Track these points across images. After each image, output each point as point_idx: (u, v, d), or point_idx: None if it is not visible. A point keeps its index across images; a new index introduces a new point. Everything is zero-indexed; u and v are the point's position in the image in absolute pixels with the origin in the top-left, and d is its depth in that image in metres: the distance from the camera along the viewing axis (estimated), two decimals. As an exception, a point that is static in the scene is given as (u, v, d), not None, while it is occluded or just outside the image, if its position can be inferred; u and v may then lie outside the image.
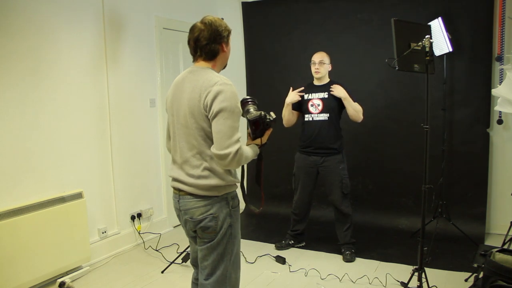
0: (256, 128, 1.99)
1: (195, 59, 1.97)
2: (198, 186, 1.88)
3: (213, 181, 1.88)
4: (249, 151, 1.95)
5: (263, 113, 2.00)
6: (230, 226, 1.95)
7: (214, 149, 1.82)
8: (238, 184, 2.03)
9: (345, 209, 3.62)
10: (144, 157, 4.17)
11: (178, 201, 1.97)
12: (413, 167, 4.10)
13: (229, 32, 1.96)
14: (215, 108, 1.79)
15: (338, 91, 3.52)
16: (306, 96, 3.66)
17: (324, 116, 3.60)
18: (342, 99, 3.51)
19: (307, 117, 3.66)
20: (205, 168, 1.88)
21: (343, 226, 3.66)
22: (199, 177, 1.88)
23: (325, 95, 3.61)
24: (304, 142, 3.69)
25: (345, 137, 3.74)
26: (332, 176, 3.61)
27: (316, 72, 3.63)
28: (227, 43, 1.96)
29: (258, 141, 2.03)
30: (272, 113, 2.04)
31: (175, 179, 1.98)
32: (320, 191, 3.88)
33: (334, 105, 3.59)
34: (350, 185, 3.66)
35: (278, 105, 3.86)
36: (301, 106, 3.68)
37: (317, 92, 3.65)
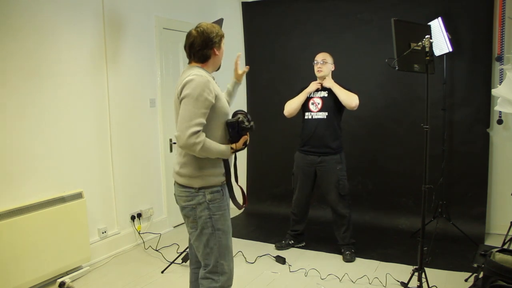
0: (232, 130, 2.11)
1: (189, 62, 2.17)
2: (179, 173, 2.11)
3: (188, 170, 2.07)
4: (216, 146, 2.04)
5: (240, 118, 2.12)
6: (210, 218, 2.08)
7: (174, 132, 1.99)
8: (223, 180, 2.14)
9: (341, 210, 3.60)
10: (144, 157, 4.17)
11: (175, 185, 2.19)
12: (413, 167, 4.10)
13: (221, 36, 2.15)
14: (182, 95, 1.99)
15: (327, 81, 3.59)
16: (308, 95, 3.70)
17: (322, 115, 3.61)
18: (331, 88, 3.56)
19: (307, 115, 3.69)
20: (185, 156, 2.08)
21: (341, 228, 3.65)
22: (180, 164, 2.10)
23: (326, 94, 3.63)
24: (303, 140, 3.71)
25: (345, 137, 3.74)
26: (329, 177, 3.61)
27: (318, 71, 3.64)
28: (219, 47, 2.15)
29: (232, 145, 2.13)
30: (252, 122, 2.15)
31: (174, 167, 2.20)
32: (320, 191, 3.88)
33: (333, 104, 3.60)
34: (348, 186, 3.64)
35: (278, 105, 3.87)
36: (303, 104, 3.70)
37: (318, 91, 3.68)
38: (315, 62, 3.67)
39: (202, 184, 2.07)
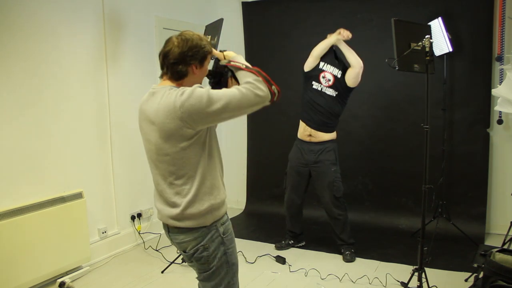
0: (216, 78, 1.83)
1: (161, 76, 1.77)
2: (185, 216, 1.71)
3: (197, 207, 1.70)
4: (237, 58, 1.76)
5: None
6: (224, 254, 1.79)
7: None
8: (225, 201, 1.83)
9: (335, 212, 3.57)
10: (144, 157, 4.10)
11: (168, 232, 1.83)
12: (413, 167, 4.09)
13: (206, 53, 1.72)
14: (194, 110, 1.59)
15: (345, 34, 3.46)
16: (321, 65, 3.59)
17: (331, 92, 3.53)
18: (342, 47, 3.49)
19: (316, 85, 3.57)
20: (189, 191, 1.69)
21: (337, 230, 3.63)
22: (185, 204, 1.69)
23: (339, 74, 3.54)
24: (304, 106, 3.62)
25: (345, 137, 3.75)
26: (324, 178, 3.57)
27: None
28: (200, 65, 1.71)
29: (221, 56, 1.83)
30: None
31: (158, 211, 1.83)
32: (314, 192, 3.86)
33: (343, 87, 3.53)
34: (342, 188, 3.59)
35: (278, 105, 3.84)
36: (312, 72, 3.61)
37: (332, 66, 3.56)
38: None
39: (214, 218, 1.74)
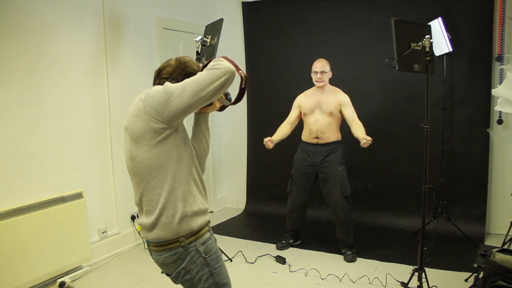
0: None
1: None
2: (154, 226, 1.66)
3: (165, 217, 1.64)
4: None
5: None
6: (211, 275, 1.70)
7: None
8: (205, 215, 1.74)
9: (343, 212, 3.58)
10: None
11: (151, 254, 1.77)
12: (413, 167, 4.10)
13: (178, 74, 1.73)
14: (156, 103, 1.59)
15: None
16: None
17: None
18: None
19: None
20: (158, 201, 1.64)
21: (342, 231, 3.63)
22: (154, 215, 1.65)
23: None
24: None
25: (345, 137, 3.74)
26: (332, 178, 3.60)
27: (318, 81, 3.64)
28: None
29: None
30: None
31: (140, 226, 1.76)
32: (321, 193, 3.86)
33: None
34: (350, 189, 3.63)
35: (278, 104, 3.86)
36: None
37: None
38: (314, 72, 3.64)
39: (189, 230, 1.65)
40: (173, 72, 1.73)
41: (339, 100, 3.64)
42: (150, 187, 1.64)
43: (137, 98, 1.70)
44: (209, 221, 1.77)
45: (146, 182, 1.65)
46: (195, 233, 1.67)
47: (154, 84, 1.78)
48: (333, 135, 3.67)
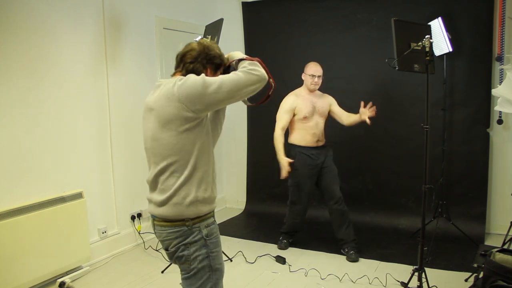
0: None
1: (173, 74, 1.84)
2: (165, 203, 1.74)
3: (178, 197, 1.72)
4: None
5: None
6: (207, 257, 1.77)
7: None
8: (213, 202, 1.85)
9: (343, 204, 3.64)
10: (144, 157, 4.14)
11: (154, 228, 1.83)
12: (413, 167, 4.10)
13: (222, 63, 1.82)
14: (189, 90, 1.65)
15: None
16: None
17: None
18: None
19: None
20: (175, 182, 1.72)
21: (344, 224, 3.63)
22: (167, 193, 1.73)
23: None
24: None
25: (345, 137, 3.76)
26: (333, 173, 3.70)
27: (315, 84, 3.64)
28: (214, 72, 1.80)
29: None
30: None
31: (148, 200, 1.84)
32: (321, 189, 3.86)
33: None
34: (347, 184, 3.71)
35: (278, 104, 3.86)
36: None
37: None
38: (311, 75, 3.62)
39: (197, 214, 1.75)
40: (198, 56, 1.77)
41: (329, 102, 3.76)
42: (171, 169, 1.72)
43: (169, 82, 1.72)
44: (215, 208, 1.87)
45: (167, 163, 1.72)
46: (201, 216, 1.77)
47: (177, 68, 1.82)
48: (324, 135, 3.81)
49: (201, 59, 1.76)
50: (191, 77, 1.67)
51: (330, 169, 3.70)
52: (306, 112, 3.65)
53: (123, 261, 3.69)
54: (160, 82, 1.80)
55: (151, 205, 1.81)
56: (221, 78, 1.66)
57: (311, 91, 3.68)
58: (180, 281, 1.84)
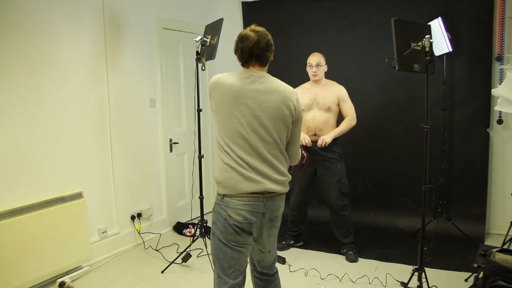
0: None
1: (247, 65, 2.04)
2: (280, 181, 2.09)
3: (284, 188, 2.14)
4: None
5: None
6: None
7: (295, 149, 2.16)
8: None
9: (342, 209, 3.60)
10: (144, 157, 4.17)
11: (265, 204, 2.02)
12: (413, 167, 4.10)
13: (273, 44, 2.08)
14: (300, 115, 2.09)
15: (328, 136, 3.56)
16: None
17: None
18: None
19: None
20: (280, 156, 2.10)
21: (343, 227, 3.64)
22: (282, 173, 2.10)
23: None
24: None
25: (345, 137, 3.74)
26: (331, 176, 3.61)
27: (314, 75, 3.63)
28: (272, 53, 2.09)
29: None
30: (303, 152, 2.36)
31: (261, 180, 2.01)
32: (320, 191, 3.88)
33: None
34: (348, 185, 3.65)
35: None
36: None
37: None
38: (309, 64, 3.63)
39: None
40: (268, 45, 2.02)
41: (337, 93, 3.64)
42: (283, 156, 2.08)
43: (291, 94, 2.05)
44: None
45: (279, 151, 2.04)
46: None
47: (249, 60, 2.02)
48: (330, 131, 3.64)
49: (268, 48, 2.04)
50: (300, 103, 2.11)
51: (331, 171, 3.60)
52: (302, 105, 3.62)
53: (123, 261, 3.69)
54: (244, 73, 2.01)
55: (271, 182, 2.03)
56: (299, 130, 2.16)
57: (314, 81, 3.68)
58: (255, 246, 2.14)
